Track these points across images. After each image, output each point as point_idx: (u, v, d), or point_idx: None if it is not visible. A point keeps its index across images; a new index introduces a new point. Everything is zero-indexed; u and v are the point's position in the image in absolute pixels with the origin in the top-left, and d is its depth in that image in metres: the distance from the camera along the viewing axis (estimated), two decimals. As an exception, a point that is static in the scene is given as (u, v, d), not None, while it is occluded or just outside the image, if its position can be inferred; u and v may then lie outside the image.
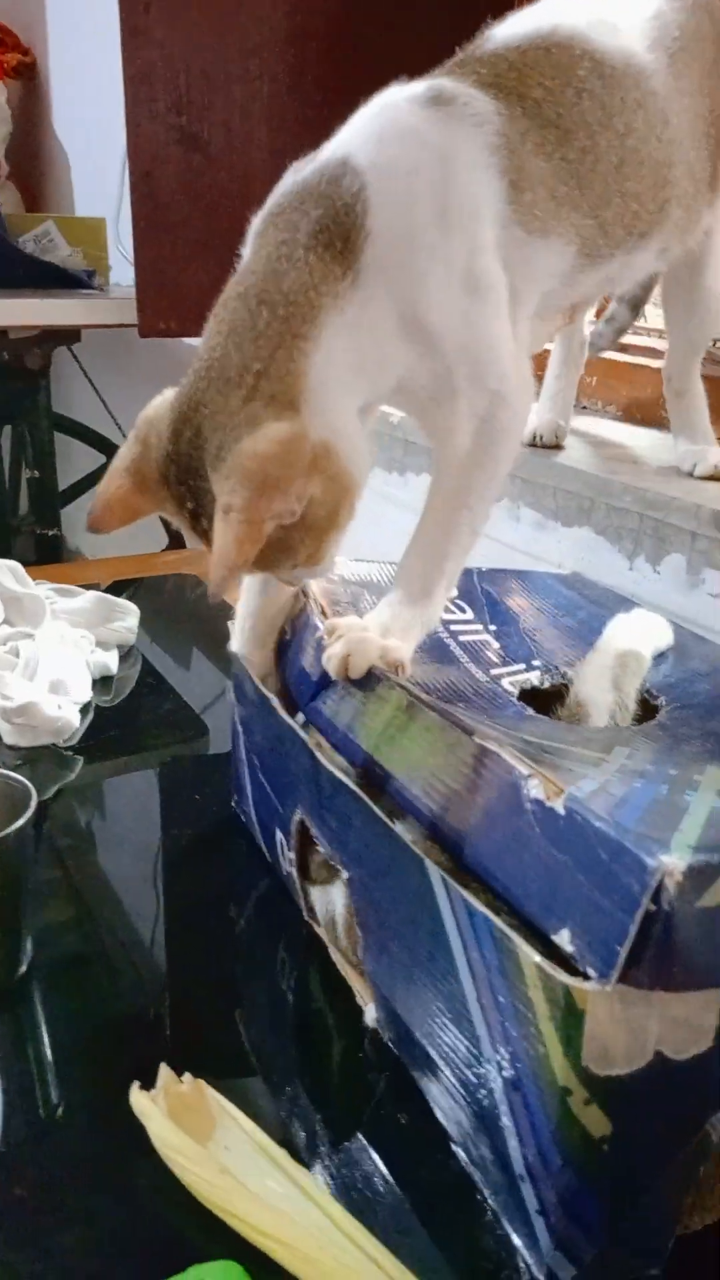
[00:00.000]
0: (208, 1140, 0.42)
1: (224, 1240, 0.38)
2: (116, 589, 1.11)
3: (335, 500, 0.47)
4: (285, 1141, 0.43)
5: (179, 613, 1.09)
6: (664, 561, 0.69)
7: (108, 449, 1.50)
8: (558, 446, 0.83)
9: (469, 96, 0.51)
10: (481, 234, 0.50)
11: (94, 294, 1.52)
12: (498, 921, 0.37)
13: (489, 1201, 0.41)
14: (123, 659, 0.91)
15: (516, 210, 0.52)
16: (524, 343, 0.55)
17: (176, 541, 1.50)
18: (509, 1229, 0.40)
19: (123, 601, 0.95)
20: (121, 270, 1.60)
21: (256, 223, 0.51)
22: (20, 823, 0.49)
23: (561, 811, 0.37)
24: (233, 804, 0.69)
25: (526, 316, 0.55)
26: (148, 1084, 0.44)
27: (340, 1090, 0.48)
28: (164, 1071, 0.44)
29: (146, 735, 0.81)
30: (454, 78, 0.53)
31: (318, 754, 0.50)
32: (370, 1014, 0.49)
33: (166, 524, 1.62)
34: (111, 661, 0.88)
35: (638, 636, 0.60)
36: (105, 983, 0.54)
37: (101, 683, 0.87)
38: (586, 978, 0.34)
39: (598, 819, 0.35)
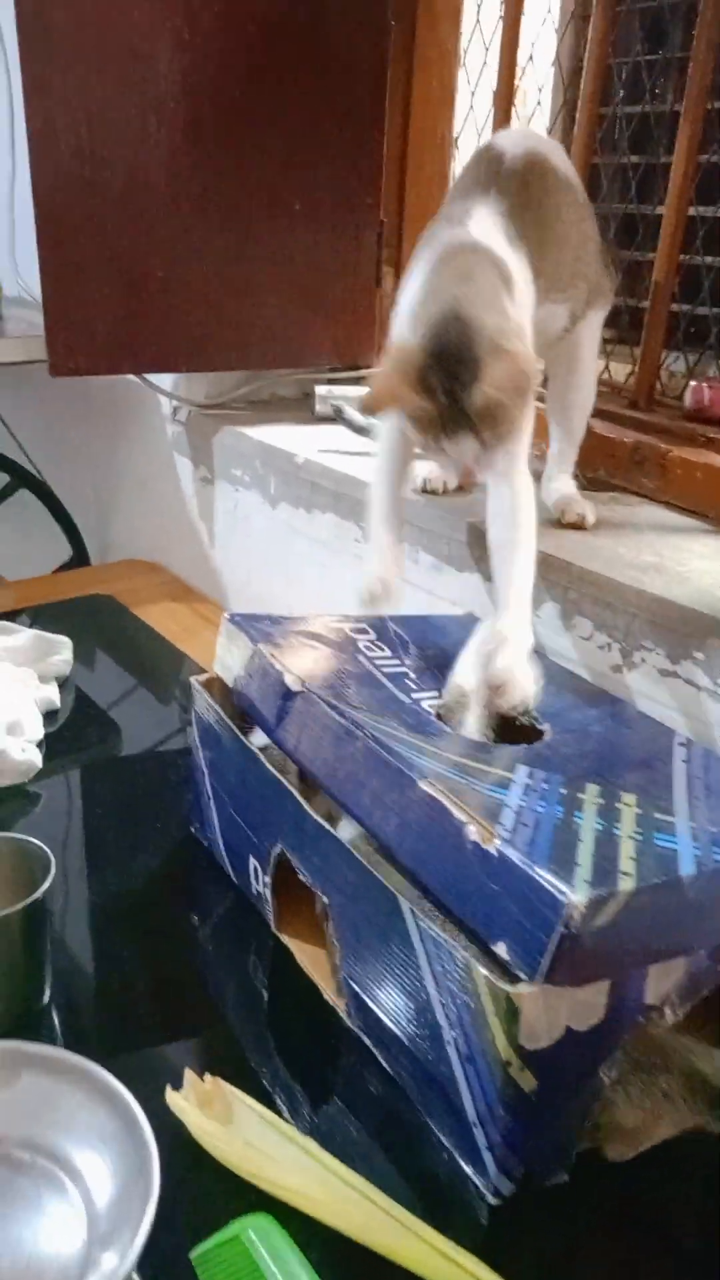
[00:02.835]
0: (229, 1124, 0.54)
1: (251, 1199, 0.51)
2: (37, 616, 1.18)
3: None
4: (287, 1115, 0.55)
5: (106, 636, 1.17)
6: (542, 608, 0.83)
7: (9, 468, 1.53)
8: (449, 492, 0.97)
9: (497, 225, 0.77)
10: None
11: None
12: (456, 946, 0.50)
13: (445, 1143, 0.55)
14: (60, 689, 0.99)
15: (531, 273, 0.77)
16: None
17: (80, 558, 1.56)
18: (462, 1161, 0.54)
19: (56, 637, 1.02)
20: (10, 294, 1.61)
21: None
22: (45, 885, 0.58)
23: (494, 854, 0.50)
24: (192, 830, 0.80)
25: None
26: (173, 1084, 0.55)
27: (322, 1070, 0.61)
28: (189, 1075, 0.55)
29: (99, 761, 0.90)
30: (492, 197, 0.79)
31: (304, 805, 0.62)
32: (342, 1008, 0.62)
33: (73, 537, 1.64)
34: (54, 695, 0.96)
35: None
36: (111, 998, 0.65)
37: (46, 717, 0.95)
38: (518, 979, 0.48)
39: (521, 861, 0.48)
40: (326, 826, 0.60)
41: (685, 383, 1.04)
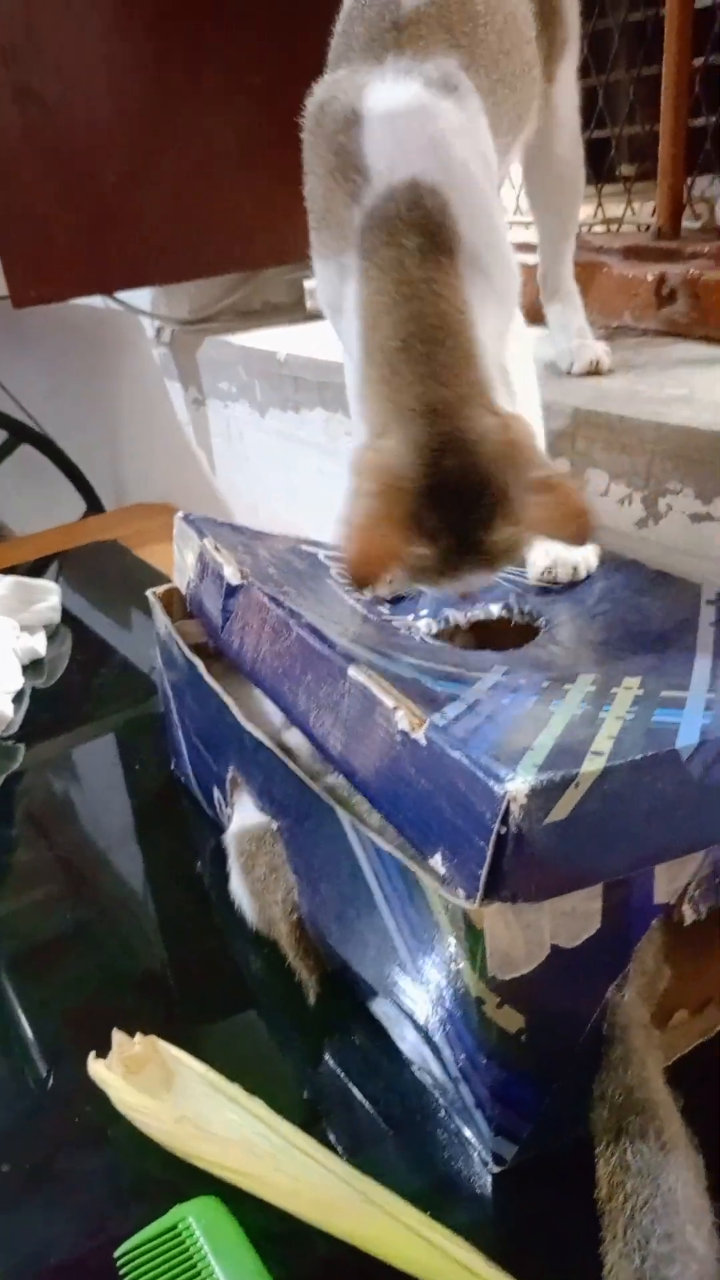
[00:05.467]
0: (167, 1091, 0.45)
1: (202, 1180, 0.41)
2: (40, 566, 1.11)
3: None
4: (255, 1073, 0.45)
5: (106, 580, 1.09)
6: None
7: (9, 425, 1.47)
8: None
9: (455, 73, 0.54)
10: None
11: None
12: (400, 855, 0.39)
13: (440, 1101, 0.45)
14: (50, 638, 0.92)
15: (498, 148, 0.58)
16: None
17: (94, 508, 1.49)
18: (459, 1123, 0.43)
19: (41, 582, 0.95)
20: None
21: (330, 266, 0.54)
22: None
23: (423, 742, 0.39)
24: (171, 768, 0.71)
25: None
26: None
27: (302, 1020, 0.50)
28: (116, 1036, 0.46)
29: (86, 710, 0.82)
30: (421, 46, 0.54)
31: (237, 715, 0.52)
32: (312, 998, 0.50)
33: (84, 489, 1.57)
34: (38, 644, 0.89)
35: None
36: (69, 958, 0.56)
37: (31, 667, 0.88)
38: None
39: (453, 748, 0.37)
40: (259, 736, 0.49)
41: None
